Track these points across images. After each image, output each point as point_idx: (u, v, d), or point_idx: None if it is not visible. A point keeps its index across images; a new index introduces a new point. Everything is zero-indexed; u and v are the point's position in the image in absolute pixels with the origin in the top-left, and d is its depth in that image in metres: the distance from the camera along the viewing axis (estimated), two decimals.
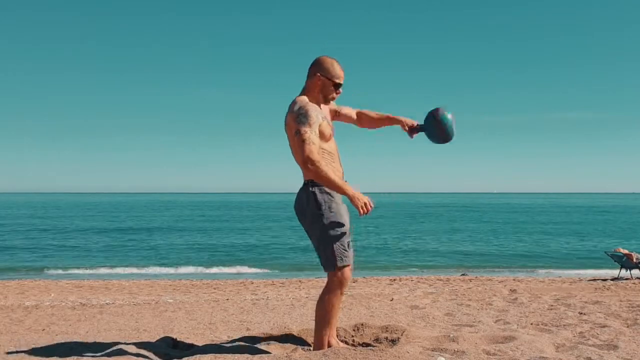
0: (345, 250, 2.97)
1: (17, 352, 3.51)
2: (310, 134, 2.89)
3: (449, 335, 3.35)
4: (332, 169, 2.99)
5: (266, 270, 16.05)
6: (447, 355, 2.99)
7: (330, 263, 2.96)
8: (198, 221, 40.78)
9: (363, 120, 3.40)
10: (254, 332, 3.95)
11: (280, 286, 9.73)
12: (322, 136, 2.99)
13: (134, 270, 16.05)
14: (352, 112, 3.39)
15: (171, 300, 7.04)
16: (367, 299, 6.45)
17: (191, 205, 78.11)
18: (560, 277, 12.32)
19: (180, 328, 4.71)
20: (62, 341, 3.94)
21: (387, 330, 3.58)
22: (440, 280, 10.63)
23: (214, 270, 16.08)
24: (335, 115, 3.33)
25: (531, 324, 4.38)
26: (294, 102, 3.01)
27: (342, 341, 3.40)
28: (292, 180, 3.10)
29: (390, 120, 3.34)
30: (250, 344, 3.46)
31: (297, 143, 2.90)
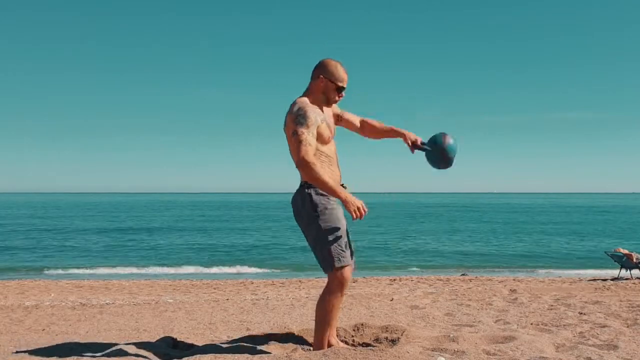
0: (343, 251, 2.96)
1: (17, 352, 3.51)
2: (307, 135, 2.89)
3: (449, 335, 3.35)
4: (327, 172, 2.99)
5: (266, 270, 16.05)
6: (447, 355, 2.99)
7: (328, 264, 2.96)
8: (198, 221, 40.78)
9: (366, 129, 3.37)
10: (254, 332, 3.95)
11: (280, 286, 9.73)
12: (320, 138, 2.99)
13: (134, 270, 16.04)
14: (355, 119, 3.36)
15: (171, 300, 7.05)
16: (367, 299, 6.45)
17: (191, 205, 78.12)
18: (560, 277, 12.32)
19: (180, 328, 4.71)
20: (62, 341, 3.94)
21: (387, 330, 3.57)
22: (440, 280, 10.63)
23: (214, 270, 16.08)
24: (338, 119, 3.31)
25: (531, 324, 4.38)
26: (294, 103, 3.01)
27: (342, 341, 3.40)
28: (292, 180, 3.10)
29: (394, 133, 3.29)
30: (250, 344, 3.46)
31: (294, 144, 2.90)
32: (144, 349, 3.36)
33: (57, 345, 3.64)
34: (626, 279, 10.21)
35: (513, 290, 7.30)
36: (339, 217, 2.99)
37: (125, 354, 3.26)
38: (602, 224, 36.27)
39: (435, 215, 50.36)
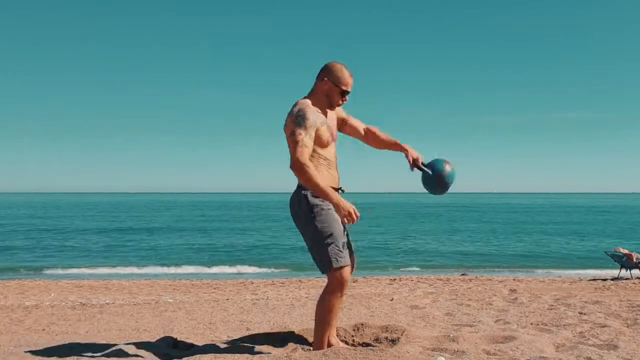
0: (340, 251, 2.96)
1: (17, 352, 3.51)
2: (304, 137, 2.89)
3: (449, 335, 3.35)
4: (326, 175, 2.99)
5: (266, 270, 16.05)
6: (447, 355, 2.99)
7: (326, 264, 2.95)
8: (198, 221, 40.77)
9: (369, 138, 3.35)
10: (254, 332, 3.95)
11: (280, 286, 9.73)
12: (319, 141, 2.99)
13: (134, 270, 16.04)
14: (360, 126, 3.35)
15: (171, 300, 7.05)
16: (367, 299, 6.46)
17: (191, 205, 78.11)
18: (560, 277, 12.32)
19: (180, 328, 4.71)
20: (62, 341, 3.95)
21: (387, 330, 3.58)
22: (440, 280, 10.63)
23: (214, 270, 16.08)
24: (342, 124, 3.29)
25: (531, 323, 4.38)
26: (295, 104, 3.01)
27: (342, 341, 3.40)
28: (292, 180, 3.09)
29: (397, 147, 3.27)
30: (250, 344, 3.46)
31: (291, 145, 2.91)
32: (144, 349, 3.37)
33: (57, 345, 3.65)
34: (626, 278, 10.21)
35: (513, 290, 7.30)
36: (335, 217, 2.99)
37: (125, 354, 3.26)
38: (602, 224, 36.27)
39: (435, 215, 50.34)
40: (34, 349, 3.56)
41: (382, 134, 3.33)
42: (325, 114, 3.09)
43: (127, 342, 3.64)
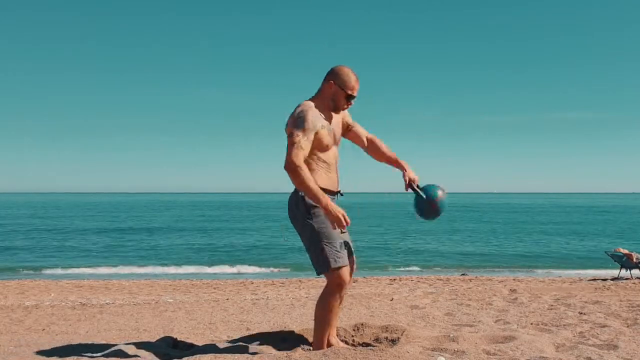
0: (338, 252, 2.96)
1: (17, 352, 3.51)
2: (302, 138, 2.88)
3: (449, 335, 3.36)
4: (320, 178, 2.99)
5: (266, 270, 16.05)
6: (447, 355, 2.99)
7: (324, 265, 2.95)
8: (198, 221, 40.76)
9: (371, 148, 3.34)
10: (254, 332, 3.95)
11: (280, 286, 9.73)
12: (320, 144, 2.98)
13: (134, 270, 16.04)
14: (363, 135, 3.34)
15: (171, 300, 7.05)
16: (367, 298, 6.46)
17: (191, 205, 78.10)
18: (560, 277, 12.32)
19: (180, 328, 4.71)
20: (62, 341, 3.95)
21: (387, 330, 3.58)
22: (440, 280, 10.63)
23: (214, 270, 16.08)
24: (347, 129, 3.28)
25: (531, 323, 4.38)
26: (298, 105, 3.01)
27: (342, 341, 3.40)
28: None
29: (396, 163, 3.26)
30: (250, 344, 3.46)
31: (288, 145, 2.91)
32: (144, 349, 3.37)
33: (57, 345, 3.65)
34: (626, 278, 10.21)
35: (513, 290, 7.30)
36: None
37: (125, 354, 3.26)
38: (602, 224, 36.27)
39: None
40: (34, 349, 3.56)
41: (384, 147, 3.32)
42: (330, 116, 3.08)
43: (127, 342, 3.64)
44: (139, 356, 3.23)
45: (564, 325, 4.22)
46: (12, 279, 12.14)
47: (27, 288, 9.61)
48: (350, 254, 3.16)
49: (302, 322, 4.80)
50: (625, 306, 5.30)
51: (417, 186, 3.20)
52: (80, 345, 3.64)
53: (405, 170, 3.22)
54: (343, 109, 3.13)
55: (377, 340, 3.46)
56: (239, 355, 3.05)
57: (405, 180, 3.20)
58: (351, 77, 3.05)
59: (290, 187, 3.03)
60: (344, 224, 2.85)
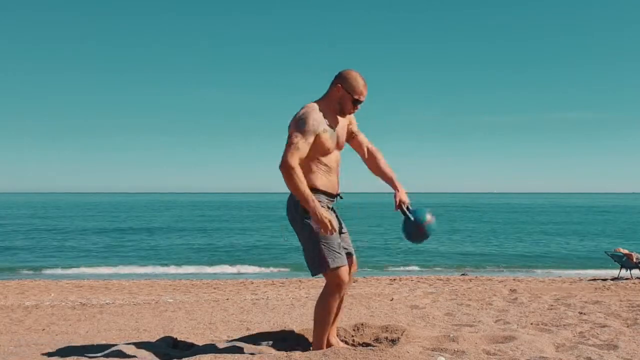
0: (336, 252, 2.96)
1: (17, 352, 3.51)
2: (300, 140, 2.88)
3: (449, 335, 3.36)
4: (320, 180, 3.00)
5: (266, 270, 16.04)
6: (447, 355, 2.99)
7: (322, 265, 2.95)
8: (198, 221, 40.76)
9: (369, 160, 3.32)
10: (254, 332, 3.95)
11: (280, 286, 9.74)
12: (321, 147, 2.98)
13: (134, 270, 16.04)
14: (364, 145, 3.32)
15: (171, 300, 7.05)
16: (367, 298, 6.46)
17: (191, 205, 78.11)
18: (560, 277, 12.32)
19: (180, 328, 4.71)
20: (62, 341, 3.95)
21: (387, 330, 3.58)
22: (440, 280, 10.63)
23: (214, 270, 16.08)
24: (351, 136, 3.28)
25: (531, 323, 4.38)
26: (303, 107, 3.01)
27: (342, 341, 3.41)
28: None
29: (391, 182, 3.26)
30: (250, 343, 3.46)
31: (285, 145, 2.91)
32: (144, 349, 3.37)
33: (57, 345, 3.65)
34: (626, 278, 10.21)
35: (513, 290, 7.30)
36: (330, 219, 2.99)
37: (125, 354, 3.26)
38: (602, 224, 36.27)
39: (435, 215, 50.27)
40: (34, 349, 3.56)
41: (383, 162, 3.29)
42: (335, 120, 3.07)
43: (127, 342, 3.64)
44: (139, 356, 3.23)
45: (564, 325, 4.22)
46: (12, 279, 12.14)
47: (27, 288, 9.62)
48: (350, 254, 3.16)
49: (302, 322, 4.80)
50: (625, 306, 5.30)
51: (407, 208, 3.20)
52: (80, 345, 3.64)
53: (398, 191, 3.21)
54: (350, 113, 3.12)
55: (377, 340, 3.46)
56: (239, 355, 3.05)
57: (396, 202, 3.20)
58: (359, 81, 3.04)
59: None
60: (330, 230, 2.86)
